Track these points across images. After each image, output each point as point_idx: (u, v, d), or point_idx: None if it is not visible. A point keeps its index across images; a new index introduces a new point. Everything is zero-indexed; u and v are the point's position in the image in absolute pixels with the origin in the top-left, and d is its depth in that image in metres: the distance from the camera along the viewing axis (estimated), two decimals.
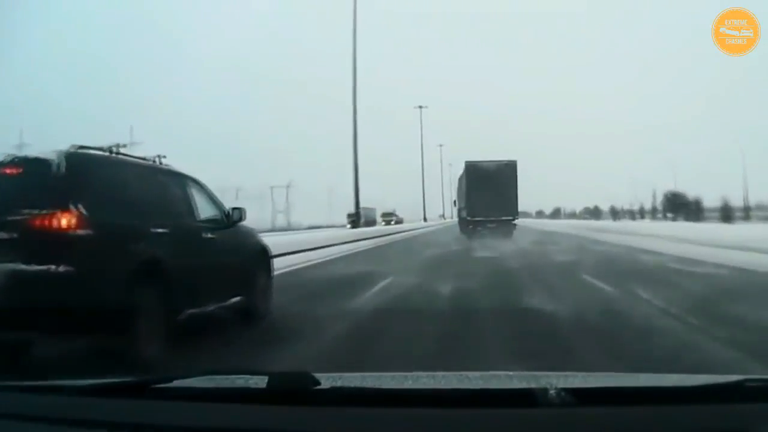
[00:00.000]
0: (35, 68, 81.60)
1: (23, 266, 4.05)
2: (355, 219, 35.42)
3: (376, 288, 9.22)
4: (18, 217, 4.17)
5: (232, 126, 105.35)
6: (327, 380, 1.44)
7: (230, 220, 6.35)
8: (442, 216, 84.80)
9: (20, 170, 4.44)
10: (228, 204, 6.58)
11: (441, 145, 79.82)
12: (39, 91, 73.36)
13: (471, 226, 27.72)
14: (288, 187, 72.42)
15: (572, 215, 70.49)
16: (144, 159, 5.61)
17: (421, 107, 67.24)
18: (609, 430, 1.23)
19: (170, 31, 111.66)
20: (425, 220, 71.75)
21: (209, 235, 5.88)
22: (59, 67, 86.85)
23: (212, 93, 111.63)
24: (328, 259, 16.63)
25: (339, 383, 1.47)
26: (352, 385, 1.49)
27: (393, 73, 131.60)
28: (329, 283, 10.45)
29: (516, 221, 28.48)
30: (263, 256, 7.08)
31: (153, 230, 4.96)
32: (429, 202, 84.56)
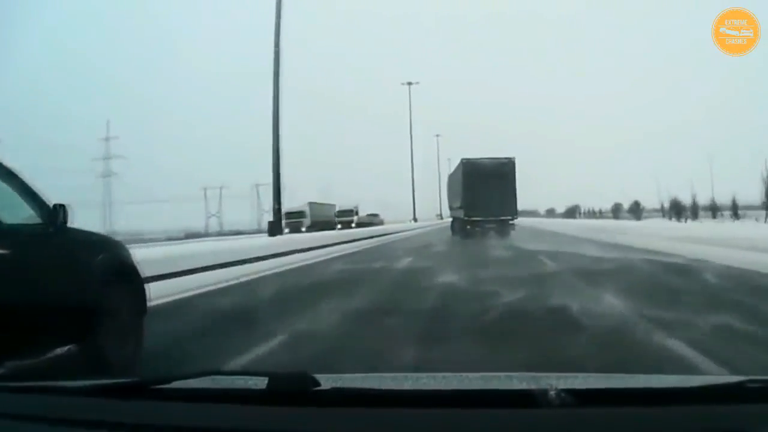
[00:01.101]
0: (31, 66, 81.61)
1: None
2: (275, 222, 23.79)
3: None
4: None
5: (225, 123, 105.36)
6: (327, 381, 1.44)
7: (55, 223, 4.17)
8: (440, 215, 73.01)
9: None
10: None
11: (438, 136, 72.21)
12: (31, 88, 73.15)
13: (468, 227, 27.47)
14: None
15: (592, 214, 57.45)
16: None
17: (410, 83, 58.77)
18: (609, 431, 1.23)
19: (163, 31, 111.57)
20: (415, 220, 63.37)
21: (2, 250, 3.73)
22: (43, 64, 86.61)
23: (207, 90, 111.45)
24: None
25: (339, 384, 1.47)
26: (352, 386, 1.49)
27: (392, 72, 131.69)
28: None
29: (514, 221, 28.32)
30: (124, 278, 4.63)
31: None
32: (428, 202, 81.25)
